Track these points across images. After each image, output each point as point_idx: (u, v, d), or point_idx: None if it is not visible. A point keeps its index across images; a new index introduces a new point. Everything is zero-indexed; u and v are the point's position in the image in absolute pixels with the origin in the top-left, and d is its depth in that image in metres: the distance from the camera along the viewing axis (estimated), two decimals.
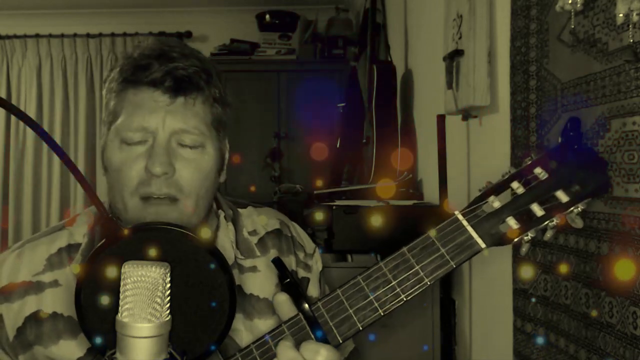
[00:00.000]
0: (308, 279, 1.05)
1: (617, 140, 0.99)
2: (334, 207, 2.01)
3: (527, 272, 1.32)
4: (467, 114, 1.75)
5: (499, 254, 1.51)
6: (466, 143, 1.82)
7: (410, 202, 2.17)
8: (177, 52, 0.90)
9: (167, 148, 0.87)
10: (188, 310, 0.75)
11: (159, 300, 0.64)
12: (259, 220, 1.05)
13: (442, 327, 1.92)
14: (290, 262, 1.03)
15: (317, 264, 1.07)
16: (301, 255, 1.05)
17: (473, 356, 1.82)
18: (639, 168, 0.93)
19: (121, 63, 0.92)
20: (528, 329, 1.33)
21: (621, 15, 0.92)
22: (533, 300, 1.30)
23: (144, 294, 0.63)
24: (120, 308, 0.64)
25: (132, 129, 0.87)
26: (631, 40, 0.92)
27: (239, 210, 1.05)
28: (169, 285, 0.65)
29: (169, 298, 0.65)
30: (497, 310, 1.57)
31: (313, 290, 1.05)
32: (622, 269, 0.96)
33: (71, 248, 0.95)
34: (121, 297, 0.64)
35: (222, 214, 1.01)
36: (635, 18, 0.89)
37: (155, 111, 0.87)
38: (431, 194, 2.26)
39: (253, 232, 1.03)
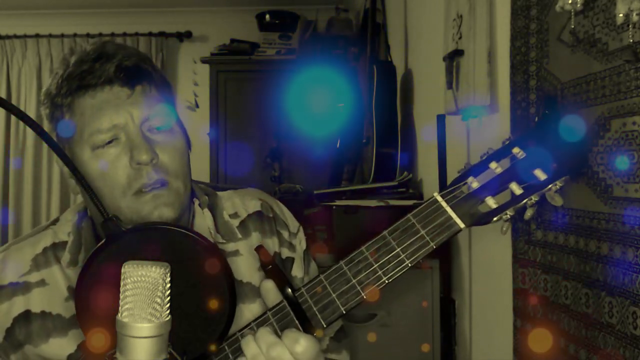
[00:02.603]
0: (292, 259, 1.04)
1: (617, 140, 0.99)
2: (334, 207, 2.01)
3: (527, 271, 1.32)
4: (467, 113, 1.75)
5: (499, 254, 1.51)
6: (466, 143, 1.82)
7: (410, 202, 2.17)
8: (111, 47, 0.91)
9: (144, 137, 0.88)
10: (188, 310, 0.75)
11: (159, 300, 0.63)
12: (240, 203, 1.04)
13: (442, 327, 1.92)
14: (273, 242, 1.02)
15: (301, 243, 1.06)
16: (285, 234, 1.04)
17: (473, 356, 1.82)
18: (639, 168, 0.93)
19: (59, 77, 0.92)
20: (528, 329, 1.33)
21: (621, 15, 0.92)
22: (533, 300, 1.30)
23: (144, 294, 0.63)
24: (120, 308, 0.64)
25: (102, 130, 0.87)
26: (631, 40, 0.92)
27: (218, 193, 1.05)
28: (169, 285, 0.65)
29: (169, 298, 0.65)
30: (497, 310, 1.57)
31: (297, 271, 1.04)
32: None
33: (56, 247, 0.95)
34: (121, 297, 0.64)
35: (196, 202, 1.01)
36: (635, 18, 0.89)
37: (120, 106, 0.88)
38: (431, 194, 2.25)
39: (234, 215, 1.02)
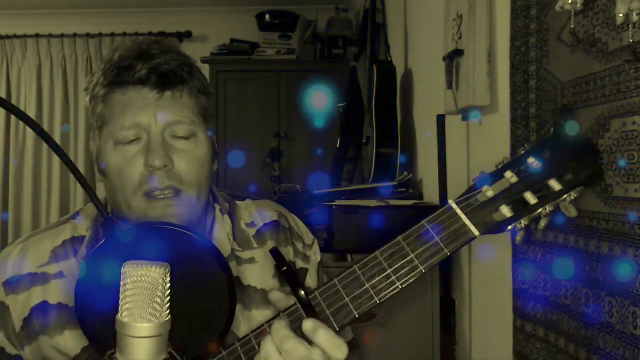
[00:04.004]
0: (306, 270, 1.06)
1: (617, 140, 0.99)
2: (334, 207, 2.01)
3: (527, 271, 1.32)
4: (467, 114, 1.75)
5: (499, 253, 1.51)
6: (466, 143, 1.82)
7: (410, 202, 2.17)
8: (156, 49, 0.92)
9: (163, 142, 0.89)
10: (188, 310, 0.75)
11: (159, 300, 0.63)
12: (257, 212, 1.06)
13: (442, 327, 1.92)
14: (288, 253, 1.04)
15: (315, 255, 1.08)
16: (300, 246, 1.07)
17: (473, 356, 1.82)
18: (639, 168, 0.93)
19: (102, 68, 0.94)
20: (528, 329, 1.33)
21: (621, 15, 0.92)
22: (533, 300, 1.30)
23: (144, 294, 0.63)
24: (120, 308, 0.64)
25: (125, 128, 0.89)
26: (631, 40, 0.92)
27: (237, 202, 1.07)
28: (169, 285, 0.65)
29: (169, 298, 0.65)
30: (497, 310, 1.57)
31: (311, 282, 1.06)
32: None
33: (75, 241, 0.97)
34: (121, 297, 0.64)
35: (217, 208, 1.02)
36: (635, 18, 0.89)
37: (145, 108, 0.89)
38: (431, 194, 2.26)
39: (251, 224, 1.04)
